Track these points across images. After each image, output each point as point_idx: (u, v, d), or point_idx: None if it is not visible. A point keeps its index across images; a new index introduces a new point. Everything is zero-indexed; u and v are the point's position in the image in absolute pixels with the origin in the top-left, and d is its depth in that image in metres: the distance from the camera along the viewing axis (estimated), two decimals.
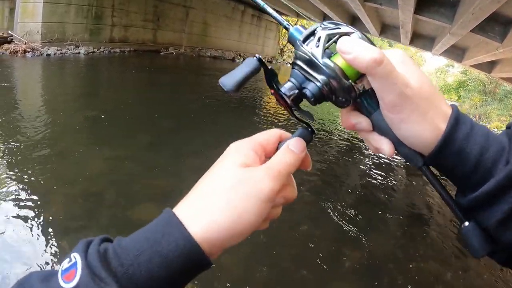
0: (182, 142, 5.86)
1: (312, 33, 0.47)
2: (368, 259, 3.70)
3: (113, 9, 14.60)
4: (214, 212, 0.40)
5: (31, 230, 3.24)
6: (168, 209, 0.42)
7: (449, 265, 4.06)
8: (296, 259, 3.51)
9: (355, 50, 0.42)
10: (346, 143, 8.62)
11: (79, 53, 13.47)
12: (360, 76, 0.45)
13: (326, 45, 0.45)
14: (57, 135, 5.65)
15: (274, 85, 0.48)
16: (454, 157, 0.43)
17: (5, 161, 4.51)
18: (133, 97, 9.04)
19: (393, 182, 6.52)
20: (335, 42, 0.45)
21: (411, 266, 3.81)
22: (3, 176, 4.09)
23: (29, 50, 12.96)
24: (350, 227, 4.26)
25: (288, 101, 0.47)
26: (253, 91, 12.42)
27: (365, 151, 8.01)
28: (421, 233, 4.70)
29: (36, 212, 3.50)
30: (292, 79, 0.48)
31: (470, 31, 6.52)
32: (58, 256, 2.96)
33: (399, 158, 7.20)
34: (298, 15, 19.04)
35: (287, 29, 0.51)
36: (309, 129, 0.50)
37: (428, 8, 7.15)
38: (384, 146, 0.47)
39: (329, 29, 0.46)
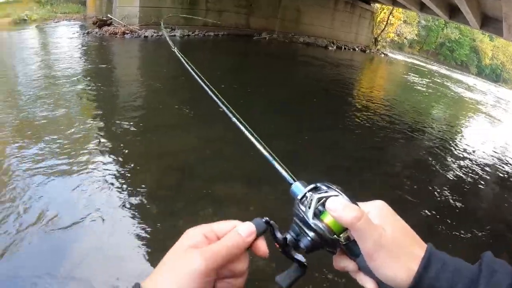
0: (274, 126, 5.70)
1: (309, 191, 0.57)
2: None
3: None
4: (164, 285, 0.47)
5: (123, 198, 3.40)
6: (137, 283, 0.48)
7: None
8: None
9: (339, 209, 0.51)
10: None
11: (174, 35, 13.13)
12: (345, 228, 0.53)
13: (316, 205, 0.54)
14: (153, 110, 5.87)
15: (278, 239, 0.56)
16: None
17: (103, 133, 4.73)
18: (226, 79, 8.35)
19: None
20: (324, 203, 0.54)
21: None
22: (100, 147, 4.32)
23: (128, 32, 12.94)
24: None
25: (288, 253, 0.56)
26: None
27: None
28: None
29: (129, 181, 3.69)
30: (291, 232, 0.56)
31: None
32: (147, 221, 3.12)
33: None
34: (393, 3, 17.12)
35: (290, 184, 0.61)
36: (264, 221, 0.56)
37: None
38: (368, 285, 0.54)
39: (319, 192, 0.56)
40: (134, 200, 3.40)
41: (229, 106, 0.93)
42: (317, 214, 0.54)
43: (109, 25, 13.88)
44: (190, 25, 13.82)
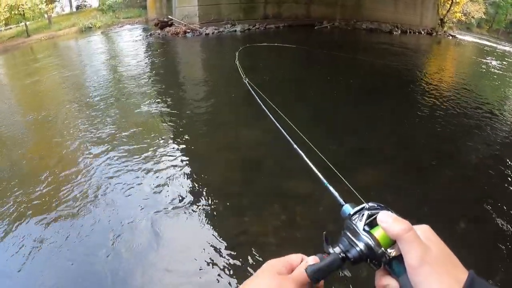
0: (339, 121, 5.44)
1: (359, 211, 0.60)
2: None
3: None
4: None
5: (191, 191, 3.39)
6: None
7: None
8: None
9: (389, 220, 0.54)
10: None
11: (235, 31, 12.94)
12: (393, 243, 0.54)
13: (367, 220, 0.57)
14: (217, 106, 5.85)
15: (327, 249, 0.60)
16: None
17: (172, 128, 4.84)
18: (288, 72, 8.04)
19: None
20: (375, 218, 0.57)
21: None
22: (170, 142, 4.39)
23: (189, 31, 12.98)
24: None
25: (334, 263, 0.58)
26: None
27: None
28: None
29: (196, 175, 3.68)
30: (341, 245, 0.58)
31: None
32: (214, 217, 3.06)
33: None
34: None
35: (341, 205, 0.65)
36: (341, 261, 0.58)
37: None
38: None
39: (371, 210, 0.59)
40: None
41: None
42: (368, 229, 0.57)
43: (170, 25, 14.06)
44: (250, 19, 13.57)
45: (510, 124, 6.44)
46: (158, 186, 3.47)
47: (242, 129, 4.95)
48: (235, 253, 2.67)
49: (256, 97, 1.59)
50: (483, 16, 32.90)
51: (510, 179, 4.13)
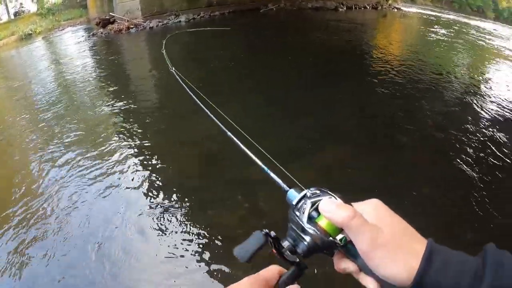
0: (292, 103, 5.49)
1: (302, 198, 0.57)
2: None
3: None
4: None
5: (151, 188, 3.42)
6: None
7: None
8: None
9: (332, 209, 0.51)
10: None
11: (180, 21, 12.74)
12: (341, 230, 0.52)
13: (311, 209, 0.54)
14: (170, 99, 5.76)
15: (277, 247, 0.57)
16: None
17: (127, 126, 4.78)
18: (236, 59, 8.05)
19: None
20: (317, 207, 0.54)
21: None
22: (126, 141, 4.38)
23: (132, 26, 12.62)
24: None
25: (288, 259, 0.57)
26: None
27: None
28: None
29: (156, 172, 3.69)
30: (289, 239, 0.57)
31: None
32: (180, 214, 3.09)
33: None
34: None
35: (286, 191, 0.61)
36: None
37: None
38: (370, 285, 0.53)
39: (312, 197, 0.56)
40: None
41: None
42: (312, 219, 0.55)
43: (112, 23, 13.60)
44: (194, 8, 13.38)
45: (464, 86, 6.80)
46: (125, 189, 3.49)
47: (193, 121, 5.00)
48: (205, 248, 2.72)
49: (187, 89, 1.55)
50: None
51: (465, 139, 4.38)
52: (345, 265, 0.55)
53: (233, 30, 10.63)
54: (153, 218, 3.07)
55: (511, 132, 4.72)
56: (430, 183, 3.54)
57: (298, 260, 0.57)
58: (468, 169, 3.74)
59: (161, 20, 12.71)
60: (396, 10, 21.75)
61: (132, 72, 8.26)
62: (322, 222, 0.53)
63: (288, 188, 0.61)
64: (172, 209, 3.16)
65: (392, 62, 7.98)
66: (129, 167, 3.84)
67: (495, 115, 5.35)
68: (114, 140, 4.49)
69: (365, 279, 0.54)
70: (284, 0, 15.94)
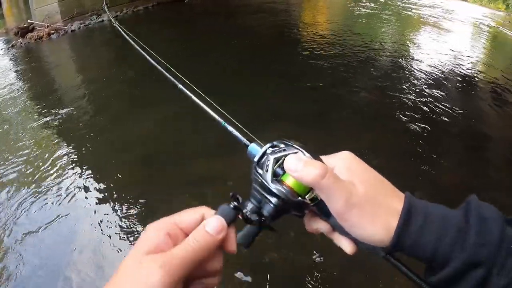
0: (226, 91, 5.50)
1: (264, 154, 0.51)
2: None
3: None
4: None
5: (95, 200, 3.43)
6: None
7: None
8: None
9: (299, 168, 0.46)
10: None
11: (103, 20, 12.39)
12: (311, 188, 0.48)
13: (275, 166, 0.49)
14: (102, 103, 5.74)
15: (243, 214, 0.51)
16: (411, 249, 0.44)
17: (61, 137, 4.72)
18: (169, 53, 7.99)
19: None
20: (282, 163, 0.49)
21: None
22: (62, 152, 4.33)
23: (53, 31, 12.09)
24: None
25: (252, 222, 0.51)
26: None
27: None
28: None
29: (97, 182, 3.67)
30: (253, 200, 0.51)
31: None
32: (126, 221, 3.17)
33: None
34: None
35: (246, 146, 0.56)
36: (232, 206, 0.50)
37: None
38: (344, 245, 0.50)
39: (276, 152, 0.50)
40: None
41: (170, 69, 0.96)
42: (277, 177, 0.50)
43: (32, 30, 12.93)
44: (116, 5, 13.02)
45: (393, 56, 7.31)
46: (69, 205, 3.47)
47: (131, 123, 4.92)
48: None
49: (133, 43, 1.58)
50: None
51: (398, 104, 5.12)
52: (317, 225, 0.52)
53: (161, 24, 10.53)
54: (107, 243, 3.05)
55: (441, 88, 5.33)
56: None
57: (264, 221, 0.51)
58: (409, 123, 4.28)
59: (82, 21, 12.32)
60: None
61: (58, 80, 8.13)
62: (289, 181, 0.49)
63: (248, 143, 0.57)
64: (122, 224, 3.18)
65: (324, 40, 8.33)
66: (67, 190, 3.74)
67: (426, 75, 5.94)
68: (47, 162, 4.32)
69: (339, 239, 0.51)
70: None
